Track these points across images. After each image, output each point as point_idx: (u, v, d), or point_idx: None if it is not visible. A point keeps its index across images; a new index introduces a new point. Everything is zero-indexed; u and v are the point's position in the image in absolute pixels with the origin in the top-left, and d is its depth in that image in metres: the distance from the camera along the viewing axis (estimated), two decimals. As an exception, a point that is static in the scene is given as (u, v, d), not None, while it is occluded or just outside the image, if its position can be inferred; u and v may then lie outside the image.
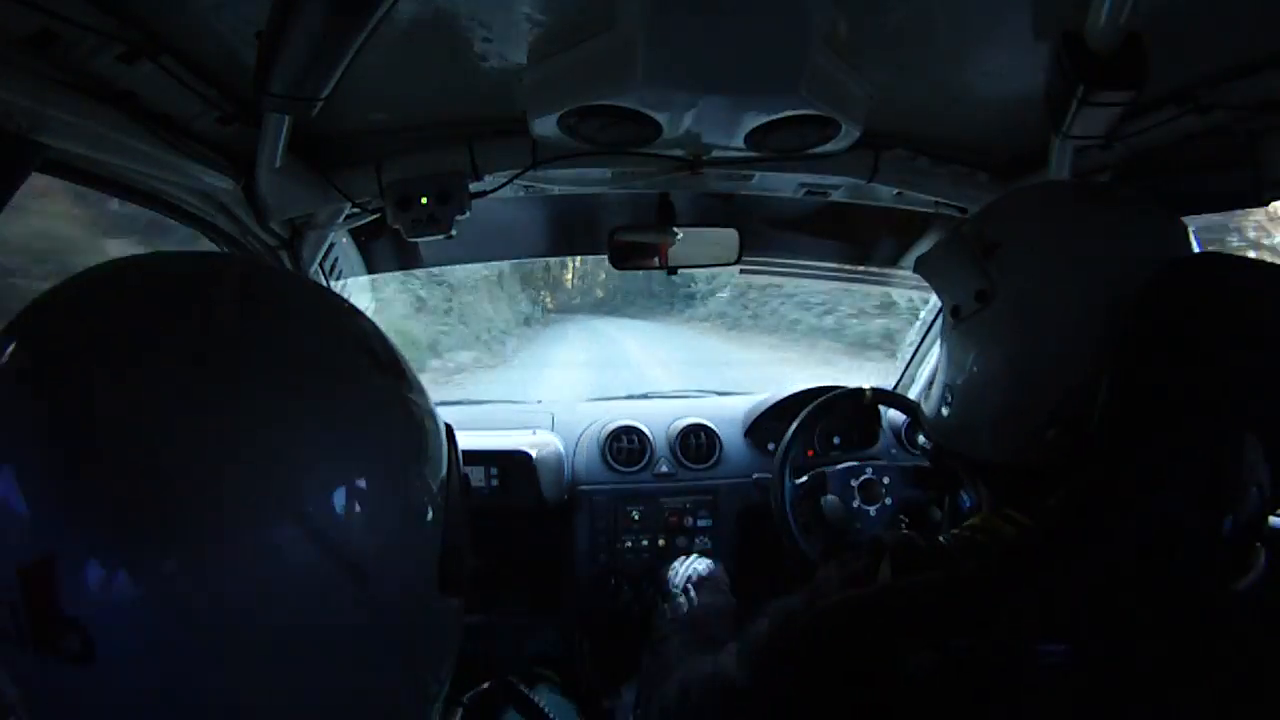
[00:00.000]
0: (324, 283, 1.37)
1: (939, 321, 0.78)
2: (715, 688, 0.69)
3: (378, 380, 0.40)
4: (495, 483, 1.49)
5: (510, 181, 1.18)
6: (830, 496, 1.42)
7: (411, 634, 0.40)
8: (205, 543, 0.32)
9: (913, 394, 1.70)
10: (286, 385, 0.35)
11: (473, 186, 1.16)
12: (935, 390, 0.68)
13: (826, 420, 1.53)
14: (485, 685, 0.61)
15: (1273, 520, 0.52)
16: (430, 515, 0.41)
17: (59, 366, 0.33)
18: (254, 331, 0.36)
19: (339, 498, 0.35)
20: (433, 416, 0.43)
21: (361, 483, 0.36)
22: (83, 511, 0.31)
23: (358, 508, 0.36)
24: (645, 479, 1.56)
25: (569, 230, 1.62)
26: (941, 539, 0.61)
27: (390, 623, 0.38)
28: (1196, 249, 0.58)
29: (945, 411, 0.66)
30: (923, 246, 1.55)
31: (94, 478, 0.31)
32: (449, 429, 0.46)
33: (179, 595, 0.31)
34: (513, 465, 1.50)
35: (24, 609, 0.30)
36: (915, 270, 0.74)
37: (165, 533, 0.31)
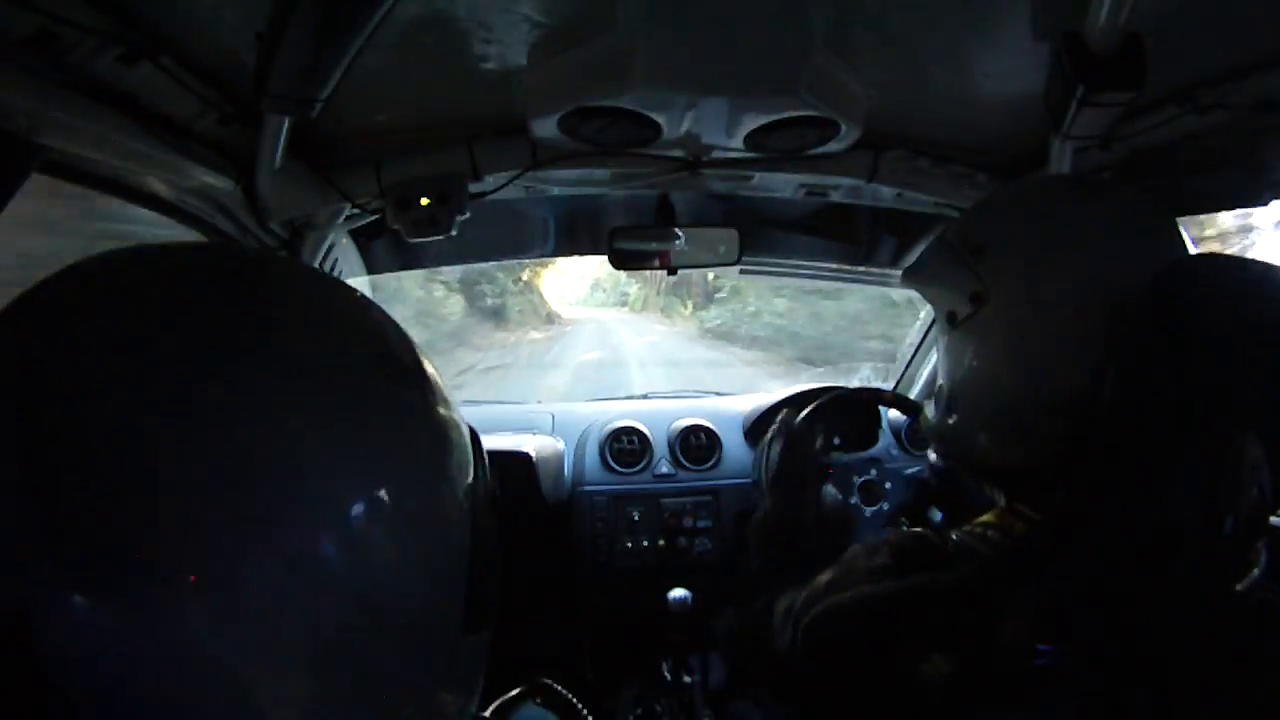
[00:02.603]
0: None
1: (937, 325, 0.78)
2: (767, 641, 0.70)
3: (390, 391, 0.35)
4: (495, 484, 1.49)
5: (510, 182, 1.18)
6: (829, 488, 1.41)
7: (430, 677, 0.36)
8: (187, 590, 0.27)
9: (912, 394, 1.70)
10: (283, 404, 0.31)
11: (473, 187, 1.16)
12: (939, 399, 0.68)
13: (828, 420, 1.53)
14: (516, 691, 0.58)
15: (1273, 520, 0.51)
16: (453, 546, 0.36)
17: (28, 384, 0.29)
18: (249, 342, 0.32)
19: (343, 529, 0.31)
20: (457, 427, 0.38)
21: (368, 511, 0.31)
22: (54, 552, 0.26)
23: (364, 542, 0.31)
24: (645, 480, 1.56)
25: (569, 231, 1.62)
26: (954, 535, 0.61)
27: (406, 669, 0.34)
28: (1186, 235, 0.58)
29: (952, 419, 0.65)
30: (923, 247, 1.55)
31: (66, 512, 0.27)
32: (474, 436, 0.40)
33: (164, 647, 0.27)
34: (513, 466, 1.49)
35: None
36: (904, 282, 0.74)
37: (148, 574, 0.27)
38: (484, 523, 0.39)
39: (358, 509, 0.31)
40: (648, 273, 1.53)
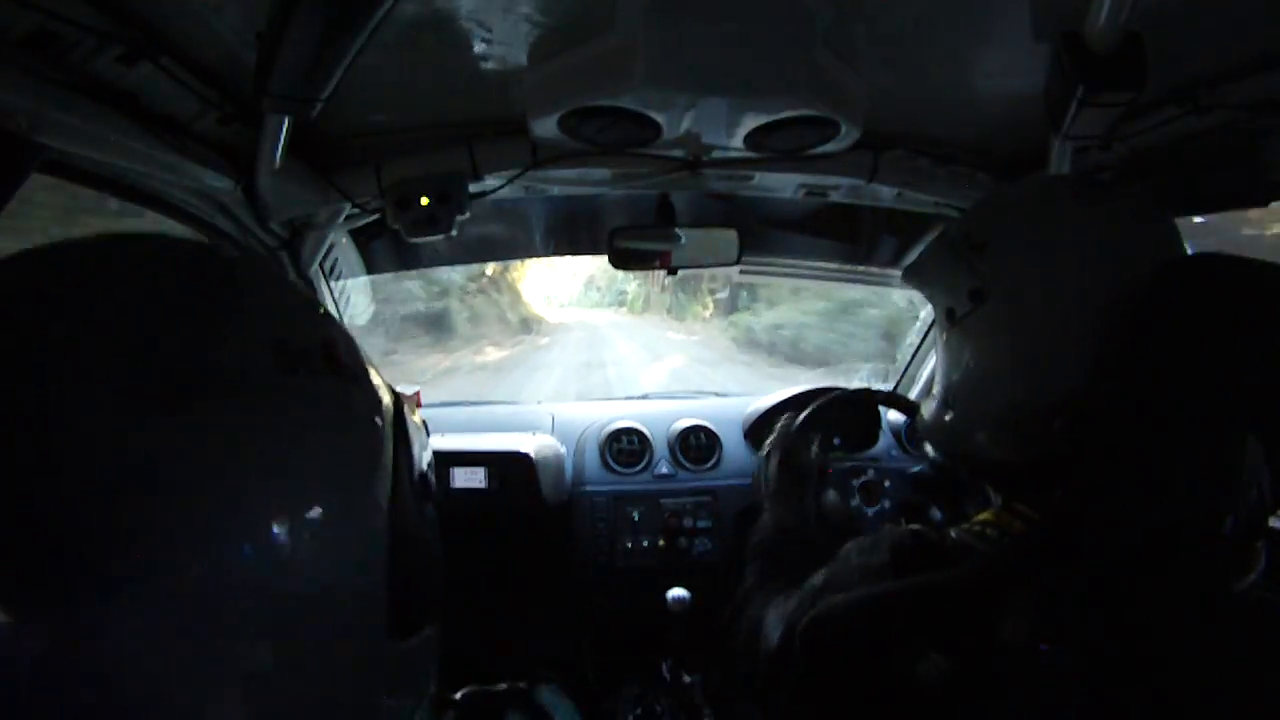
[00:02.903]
0: (323, 283, 1.37)
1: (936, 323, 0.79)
2: (763, 645, 0.70)
3: (280, 382, 0.32)
4: (495, 484, 1.49)
5: (510, 182, 1.18)
6: (830, 492, 1.41)
7: (364, 687, 0.34)
8: (83, 603, 0.26)
9: (912, 394, 1.70)
10: (167, 405, 0.29)
11: (473, 187, 1.16)
12: (935, 396, 0.68)
13: (825, 422, 1.53)
14: (500, 687, 0.56)
15: (1273, 522, 0.51)
16: (367, 549, 0.33)
17: None
18: (142, 342, 0.30)
19: (236, 539, 0.28)
20: (370, 417, 0.35)
21: (262, 519, 0.29)
22: None
23: (260, 550, 0.29)
24: (645, 480, 1.56)
25: (569, 230, 1.62)
26: (953, 533, 0.61)
27: (331, 684, 0.32)
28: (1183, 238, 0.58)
29: (948, 416, 0.65)
30: (923, 247, 1.55)
31: None
32: (399, 420, 0.37)
33: (63, 668, 0.26)
34: (513, 467, 1.49)
35: None
36: (905, 279, 0.74)
37: (49, 595, 0.26)
38: (408, 520, 0.36)
39: (250, 516, 0.29)
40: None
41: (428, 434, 0.46)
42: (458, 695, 0.54)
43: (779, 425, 1.08)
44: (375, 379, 0.37)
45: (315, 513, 0.31)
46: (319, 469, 0.32)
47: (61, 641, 0.26)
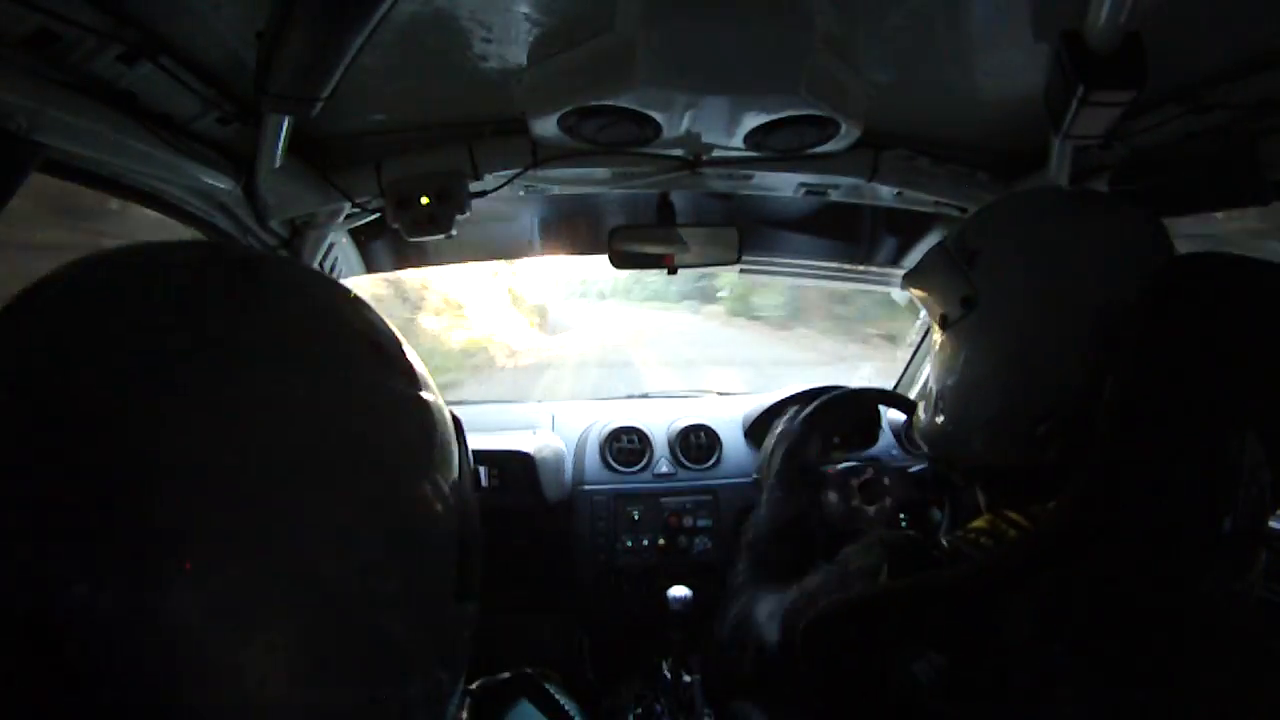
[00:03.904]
0: None
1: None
2: (753, 640, 0.72)
3: (382, 378, 0.37)
4: (496, 483, 1.49)
5: (510, 181, 1.18)
6: (830, 494, 1.42)
7: (426, 645, 0.39)
8: (192, 558, 0.29)
9: (912, 394, 1.70)
10: (282, 392, 0.33)
11: (473, 186, 1.16)
12: (929, 399, 0.69)
13: (829, 422, 1.53)
14: (505, 675, 0.60)
15: (1273, 521, 0.52)
16: (443, 521, 0.38)
17: (34, 382, 0.31)
18: (250, 339, 0.34)
19: (343, 508, 0.33)
20: (442, 412, 0.41)
21: (368, 490, 0.34)
22: (69, 544, 0.28)
23: (363, 519, 0.33)
24: (645, 479, 1.56)
25: (569, 230, 1.62)
26: (945, 540, 0.61)
27: (407, 636, 0.36)
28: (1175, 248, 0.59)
29: (939, 419, 0.66)
30: (923, 246, 1.55)
31: (76, 503, 0.28)
32: (456, 422, 0.43)
33: (169, 614, 0.29)
34: (513, 465, 1.49)
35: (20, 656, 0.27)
36: (903, 285, 0.76)
37: (152, 559, 0.29)
38: (470, 503, 0.42)
39: (353, 493, 0.34)
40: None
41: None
42: (473, 686, 0.57)
43: (785, 417, 1.10)
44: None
45: (405, 487, 0.36)
46: (410, 453, 0.37)
47: (130, 609, 0.28)
